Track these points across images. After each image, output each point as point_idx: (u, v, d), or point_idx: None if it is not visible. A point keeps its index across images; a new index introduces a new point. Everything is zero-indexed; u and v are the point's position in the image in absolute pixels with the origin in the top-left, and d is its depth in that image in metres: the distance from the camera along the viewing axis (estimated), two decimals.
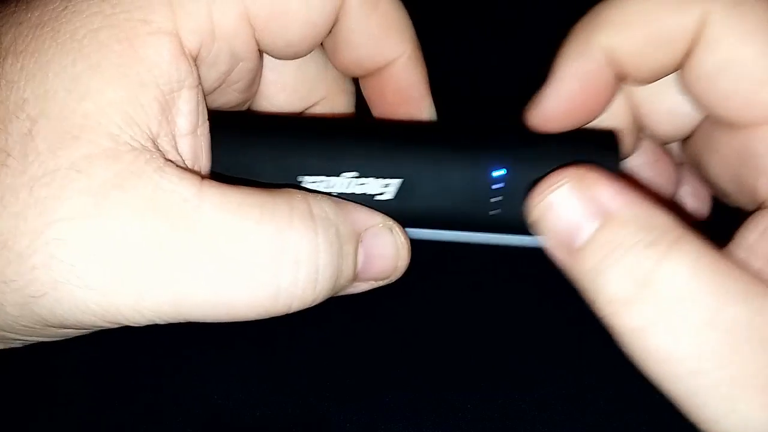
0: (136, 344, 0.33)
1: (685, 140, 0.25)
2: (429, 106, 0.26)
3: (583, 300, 0.20)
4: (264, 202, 0.20)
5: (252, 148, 0.23)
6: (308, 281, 0.20)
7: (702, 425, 0.19)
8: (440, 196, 0.23)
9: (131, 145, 0.19)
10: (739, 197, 0.23)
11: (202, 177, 0.20)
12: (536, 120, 0.23)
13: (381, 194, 0.23)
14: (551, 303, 0.29)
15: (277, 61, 0.24)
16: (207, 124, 0.21)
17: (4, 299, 0.18)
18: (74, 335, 0.21)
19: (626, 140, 0.24)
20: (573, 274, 0.20)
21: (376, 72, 0.25)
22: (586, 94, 0.22)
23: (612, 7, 0.21)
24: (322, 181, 0.22)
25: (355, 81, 0.26)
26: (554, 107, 0.22)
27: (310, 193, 0.21)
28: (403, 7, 0.24)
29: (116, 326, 0.20)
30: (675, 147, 0.26)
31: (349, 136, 0.23)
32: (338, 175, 0.22)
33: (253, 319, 0.20)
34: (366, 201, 0.23)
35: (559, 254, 0.20)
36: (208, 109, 0.21)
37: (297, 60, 0.24)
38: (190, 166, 0.20)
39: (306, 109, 0.26)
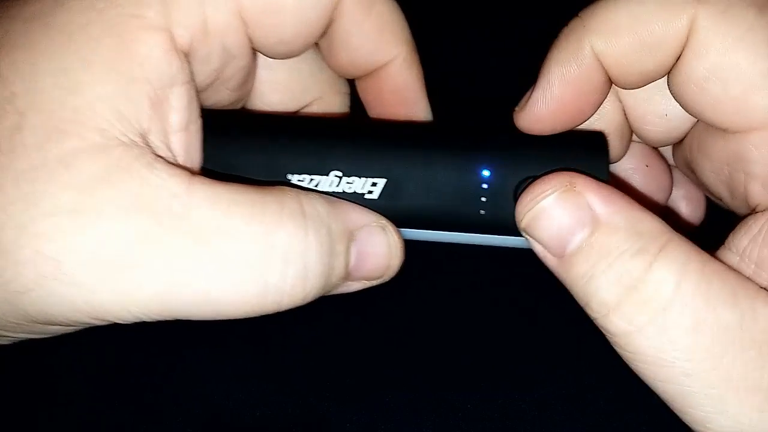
0: (137, 345, 0.32)
1: (677, 144, 0.25)
2: (425, 107, 0.25)
3: None
4: (254, 200, 0.19)
5: (242, 146, 0.23)
6: (297, 279, 0.19)
7: (694, 426, 0.19)
8: (429, 196, 0.22)
9: (120, 140, 0.18)
10: (731, 201, 0.23)
11: (193, 173, 0.19)
12: (525, 122, 0.22)
13: (370, 193, 0.22)
14: (551, 303, 0.28)
15: (272, 60, 0.24)
16: (200, 120, 0.21)
17: None
18: (62, 332, 0.20)
19: (617, 143, 0.24)
20: (563, 279, 0.20)
21: (372, 73, 0.24)
22: (575, 97, 0.22)
23: (600, 11, 0.21)
24: (311, 180, 0.22)
25: (351, 82, 0.26)
26: (543, 110, 0.22)
27: (303, 191, 0.21)
28: (398, 8, 0.23)
29: (104, 323, 0.19)
30: (668, 150, 0.26)
31: (338, 135, 0.23)
32: (327, 174, 0.22)
33: (243, 317, 0.20)
34: (355, 200, 0.22)
35: (549, 261, 0.21)
36: (201, 107, 0.21)
37: (291, 60, 0.24)
38: (181, 163, 0.20)
39: (300, 109, 0.26)
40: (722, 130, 0.21)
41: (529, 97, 0.22)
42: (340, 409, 0.31)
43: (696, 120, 0.23)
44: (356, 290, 0.22)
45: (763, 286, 0.19)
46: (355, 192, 0.22)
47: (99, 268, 0.18)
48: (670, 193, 0.26)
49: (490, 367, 0.32)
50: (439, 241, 0.24)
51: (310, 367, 0.32)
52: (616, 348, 0.20)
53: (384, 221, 0.22)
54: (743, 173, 0.21)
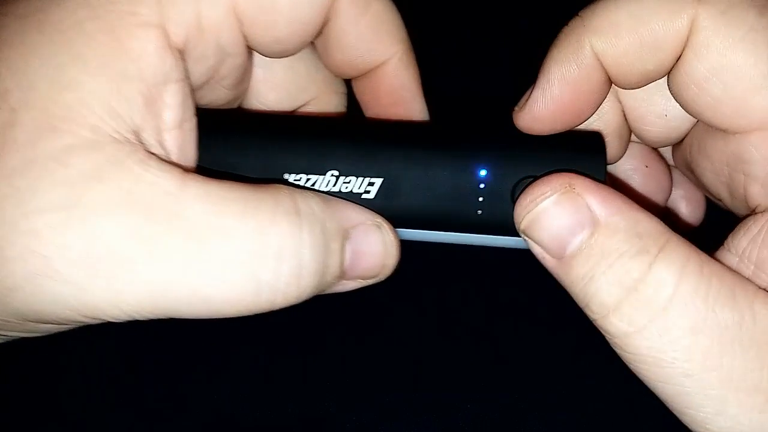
0: (137, 345, 0.32)
1: (677, 145, 0.24)
2: (422, 107, 0.25)
3: None
4: (248, 197, 0.19)
5: (238, 145, 0.22)
6: (291, 277, 0.19)
7: (693, 427, 0.19)
8: (426, 196, 0.22)
9: (113, 137, 0.18)
10: (730, 202, 0.22)
11: (186, 170, 0.19)
12: (524, 122, 0.22)
13: (367, 193, 0.22)
14: (550, 303, 0.28)
15: (268, 59, 0.24)
16: (194, 119, 0.20)
17: None
18: (56, 331, 0.20)
19: (616, 143, 0.24)
20: (563, 281, 0.20)
21: (369, 73, 0.24)
22: (574, 97, 0.21)
23: (601, 10, 0.20)
24: (308, 180, 0.22)
25: (348, 82, 0.26)
26: (542, 110, 0.21)
27: (297, 189, 0.20)
28: (394, 7, 0.23)
29: (97, 322, 0.19)
30: (668, 151, 0.26)
31: (335, 134, 0.23)
32: (323, 174, 0.22)
33: (236, 315, 0.19)
34: (352, 200, 0.22)
35: (549, 262, 0.20)
36: (196, 105, 0.21)
37: (288, 59, 0.24)
38: (176, 161, 0.20)
39: (297, 109, 0.26)
40: (722, 131, 0.21)
41: (529, 97, 0.22)
42: (340, 409, 0.31)
43: (696, 120, 0.22)
44: (351, 289, 0.22)
45: (762, 287, 0.19)
46: (351, 192, 0.22)
47: (90, 266, 0.18)
48: (670, 194, 0.26)
49: (490, 367, 0.32)
50: (436, 241, 0.23)
51: (310, 367, 0.32)
52: (615, 349, 0.19)
53: (380, 220, 0.21)
54: (743, 174, 0.21)
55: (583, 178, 0.20)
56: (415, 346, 0.32)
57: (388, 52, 0.23)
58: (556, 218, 0.20)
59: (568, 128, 0.22)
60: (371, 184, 0.22)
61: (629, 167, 0.25)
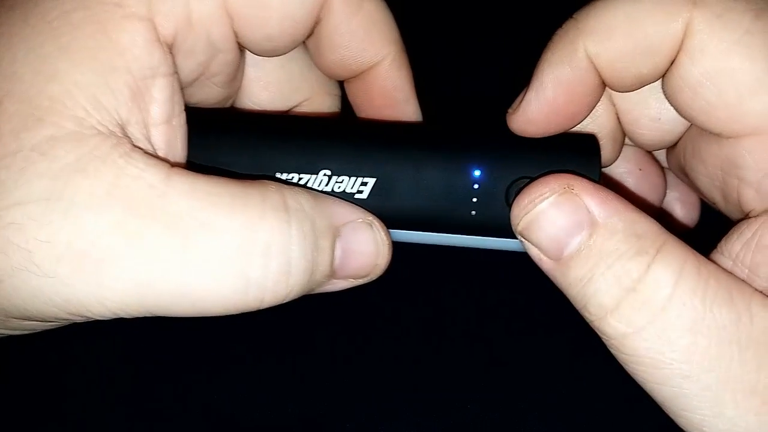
0: (136, 345, 0.32)
1: (671, 148, 0.24)
2: (415, 108, 0.25)
3: None
4: (235, 192, 0.19)
5: (231, 143, 0.22)
6: (280, 274, 0.19)
7: (689, 430, 0.19)
8: (419, 196, 0.22)
9: (98, 130, 0.18)
10: (724, 206, 0.22)
11: (172, 165, 0.19)
12: (517, 124, 0.22)
13: (359, 193, 0.22)
14: (551, 303, 0.28)
15: (260, 58, 0.23)
16: (183, 114, 0.20)
17: None
18: (41, 328, 0.20)
19: (610, 146, 0.24)
20: (560, 282, 0.20)
21: (361, 75, 0.24)
22: (568, 100, 0.21)
23: (595, 12, 0.20)
24: (300, 179, 0.21)
25: (341, 84, 0.25)
26: (536, 112, 0.21)
27: (286, 185, 0.20)
28: (387, 8, 0.23)
29: (82, 319, 0.18)
30: (662, 153, 0.25)
31: (328, 133, 0.22)
32: (316, 173, 0.21)
33: (224, 313, 0.19)
34: (345, 199, 0.21)
35: (546, 264, 0.20)
36: (185, 102, 0.20)
37: (281, 58, 0.24)
38: (163, 156, 0.19)
39: (290, 109, 0.25)
40: (716, 135, 0.20)
41: (522, 99, 0.21)
42: (340, 409, 0.31)
43: (690, 124, 0.22)
44: (342, 289, 0.21)
45: (758, 290, 0.19)
46: (344, 191, 0.21)
47: (72, 260, 0.17)
48: (664, 197, 0.25)
49: (490, 367, 0.31)
50: (429, 243, 0.23)
51: (309, 367, 0.32)
52: (612, 351, 0.19)
53: (371, 218, 0.21)
54: (736, 178, 0.20)
55: (581, 179, 0.20)
56: (412, 347, 0.32)
57: (380, 52, 0.23)
58: (555, 219, 0.19)
59: (561, 131, 0.22)
60: (364, 183, 0.21)
61: (623, 170, 0.25)
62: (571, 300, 0.20)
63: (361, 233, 0.21)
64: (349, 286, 0.21)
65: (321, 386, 0.31)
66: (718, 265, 0.19)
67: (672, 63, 0.20)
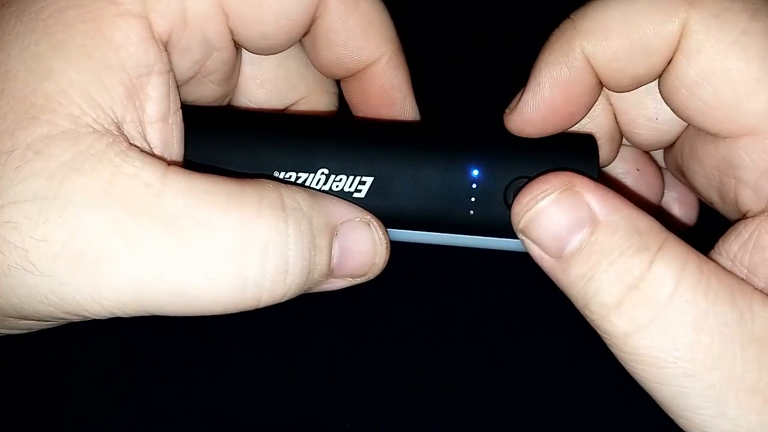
0: (136, 345, 0.32)
1: (668, 148, 0.24)
2: (412, 108, 0.24)
3: None
4: (231, 191, 0.18)
5: (228, 142, 0.21)
6: (277, 273, 0.18)
7: (690, 431, 0.18)
8: (418, 196, 0.21)
9: (93, 128, 0.17)
10: (721, 205, 0.22)
11: (169, 163, 0.18)
12: (515, 125, 0.21)
13: (357, 192, 0.21)
14: (550, 303, 0.28)
15: (257, 56, 0.23)
16: (179, 112, 0.20)
17: None
18: (38, 328, 0.19)
19: (607, 147, 0.23)
20: (561, 281, 0.19)
21: (358, 74, 0.23)
22: (565, 100, 0.21)
23: (591, 12, 0.20)
24: (298, 177, 0.21)
25: (338, 82, 0.25)
26: (533, 112, 0.21)
27: (283, 184, 0.19)
28: (384, 6, 0.23)
29: (78, 318, 0.18)
30: (659, 153, 0.25)
31: (326, 132, 0.22)
32: (314, 172, 0.21)
33: (221, 313, 0.18)
34: (343, 198, 0.21)
35: (546, 263, 0.20)
36: (182, 100, 0.20)
37: (277, 56, 0.23)
38: (159, 155, 0.19)
39: (287, 108, 0.25)
40: (713, 135, 0.20)
41: (519, 99, 0.21)
42: (340, 409, 0.30)
43: (687, 124, 0.22)
44: (340, 288, 0.21)
45: (757, 290, 0.19)
46: (342, 190, 0.21)
47: (68, 259, 0.17)
48: (662, 197, 0.25)
49: (490, 367, 0.31)
50: (427, 242, 0.22)
51: (309, 367, 0.31)
52: (613, 350, 0.19)
53: (369, 216, 0.21)
54: (733, 178, 0.20)
55: (582, 176, 0.19)
56: (411, 347, 0.31)
57: (377, 51, 0.23)
58: (556, 216, 0.19)
59: (558, 131, 0.21)
60: (362, 183, 0.21)
61: (621, 170, 0.24)
62: (572, 299, 0.19)
63: (358, 232, 0.20)
64: (347, 285, 0.21)
65: (321, 386, 0.31)
66: (719, 264, 0.19)
67: (669, 63, 0.19)
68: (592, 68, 0.20)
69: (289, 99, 0.25)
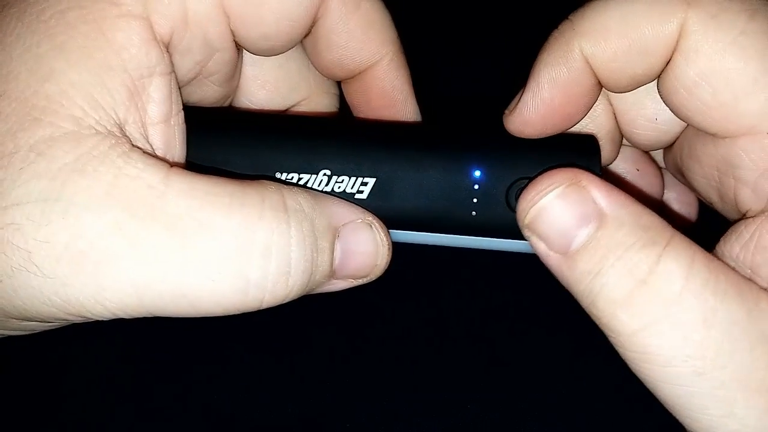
0: (136, 345, 0.32)
1: (668, 148, 0.23)
2: (413, 109, 0.24)
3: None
4: (234, 192, 0.18)
5: (230, 143, 0.21)
6: (279, 275, 0.18)
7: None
8: (419, 197, 0.21)
9: (95, 129, 0.17)
10: (721, 206, 0.22)
11: (171, 165, 0.18)
12: (514, 125, 0.21)
13: (359, 193, 0.21)
14: (551, 303, 0.28)
15: (258, 57, 0.23)
16: (181, 113, 0.20)
17: None
18: (41, 329, 0.19)
19: (608, 147, 0.23)
20: (567, 278, 0.19)
21: (359, 75, 0.23)
22: (564, 100, 0.20)
23: (590, 13, 0.20)
24: (300, 179, 0.21)
25: (339, 83, 0.25)
26: (532, 113, 0.21)
27: (285, 185, 0.19)
28: (385, 7, 0.22)
29: (81, 320, 0.18)
30: (659, 153, 0.25)
31: (327, 133, 0.22)
32: (316, 173, 0.21)
33: (223, 314, 0.18)
34: (345, 199, 0.21)
35: (552, 260, 0.19)
36: (183, 101, 0.20)
37: (278, 58, 0.23)
38: (161, 156, 0.19)
39: (288, 109, 0.25)
40: (712, 135, 0.20)
41: (519, 100, 0.21)
42: (340, 409, 0.30)
43: (686, 124, 0.22)
44: (342, 289, 0.21)
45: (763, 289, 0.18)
46: (344, 191, 0.21)
47: (71, 260, 0.17)
48: (662, 197, 0.25)
49: (490, 368, 0.31)
50: (429, 243, 0.22)
51: (309, 368, 0.31)
52: (620, 349, 0.18)
53: (371, 218, 0.20)
54: (733, 178, 0.20)
55: (587, 173, 0.19)
56: (412, 347, 0.31)
57: (378, 52, 0.22)
58: (562, 211, 0.19)
59: (558, 131, 0.21)
60: (364, 184, 0.21)
61: (621, 170, 0.24)
62: (578, 297, 0.19)
63: (360, 233, 0.20)
64: (348, 287, 0.21)
65: (321, 386, 0.31)
66: (724, 262, 0.19)
67: (667, 63, 0.19)
68: (591, 69, 0.20)
69: (290, 100, 0.24)
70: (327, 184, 0.21)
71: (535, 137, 0.21)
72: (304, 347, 0.32)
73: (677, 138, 0.23)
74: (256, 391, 0.31)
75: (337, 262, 0.20)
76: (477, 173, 0.21)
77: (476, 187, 0.21)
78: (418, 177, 0.21)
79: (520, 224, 0.20)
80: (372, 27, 0.22)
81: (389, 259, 0.21)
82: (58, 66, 0.17)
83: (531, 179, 0.20)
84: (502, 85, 0.22)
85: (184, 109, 0.20)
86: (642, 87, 0.21)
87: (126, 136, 0.18)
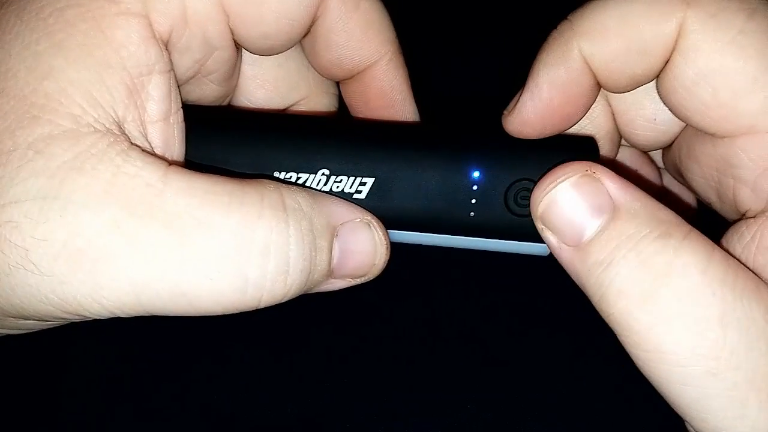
0: (136, 345, 0.32)
1: (667, 148, 0.23)
2: (412, 109, 0.24)
3: (583, 301, 0.18)
4: (233, 191, 0.18)
5: (229, 142, 0.21)
6: (278, 274, 0.18)
7: None
8: (418, 197, 0.21)
9: (94, 128, 0.17)
10: (720, 206, 0.21)
11: (170, 163, 0.18)
12: (513, 126, 0.21)
13: (358, 193, 0.21)
14: (550, 304, 0.28)
15: (257, 56, 0.23)
16: (180, 112, 0.19)
17: None
18: (38, 328, 0.19)
19: (606, 147, 0.23)
20: (578, 272, 0.18)
21: (358, 75, 0.23)
22: (563, 100, 0.20)
23: (589, 13, 0.19)
24: (298, 178, 0.21)
25: (338, 84, 0.25)
26: (531, 113, 0.20)
27: (284, 184, 0.19)
28: (384, 8, 0.22)
29: (79, 318, 0.18)
30: (658, 153, 0.25)
31: (326, 133, 0.22)
32: (315, 173, 0.21)
33: (221, 313, 0.18)
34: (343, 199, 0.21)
35: (564, 253, 0.19)
36: (182, 99, 0.20)
37: (278, 57, 0.23)
38: (160, 154, 0.19)
39: (287, 108, 0.25)
40: (711, 135, 0.20)
41: (518, 101, 0.21)
42: (340, 409, 0.30)
43: (685, 124, 0.22)
44: (340, 288, 0.20)
45: None
46: (343, 191, 0.21)
47: (68, 258, 0.16)
48: (661, 197, 0.24)
49: (489, 368, 0.31)
50: (428, 243, 0.22)
51: (309, 368, 0.31)
52: (629, 348, 0.18)
53: (369, 217, 0.20)
54: (732, 178, 0.20)
55: (601, 165, 0.19)
56: (411, 347, 0.31)
57: (377, 52, 0.22)
58: (575, 201, 0.18)
59: (557, 132, 0.21)
60: (363, 184, 0.21)
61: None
62: (589, 292, 0.18)
63: (359, 233, 0.20)
64: (347, 286, 0.20)
65: (320, 386, 0.31)
66: (738, 260, 0.18)
67: (666, 63, 0.19)
68: (590, 69, 0.20)
69: (289, 99, 0.24)
70: (326, 184, 0.21)
71: (534, 138, 0.21)
72: (303, 347, 0.32)
73: (676, 138, 0.22)
74: (256, 390, 0.31)
75: (335, 261, 0.19)
76: (476, 174, 0.21)
77: (475, 188, 0.21)
78: (417, 177, 0.21)
79: (533, 217, 0.20)
80: (371, 27, 0.22)
81: (387, 259, 0.21)
82: (57, 64, 0.17)
83: (530, 181, 0.20)
84: (501, 85, 0.22)
85: (183, 107, 0.20)
86: (641, 87, 0.21)
87: (125, 134, 0.18)
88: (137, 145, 0.18)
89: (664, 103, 0.20)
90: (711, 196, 0.21)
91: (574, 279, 0.19)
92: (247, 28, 0.20)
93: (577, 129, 0.22)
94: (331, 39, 0.22)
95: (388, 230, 0.21)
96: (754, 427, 0.17)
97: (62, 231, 0.16)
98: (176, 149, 0.19)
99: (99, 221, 0.17)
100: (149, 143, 0.18)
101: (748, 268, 0.18)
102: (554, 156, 0.21)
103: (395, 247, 0.21)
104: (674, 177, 0.24)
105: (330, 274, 0.20)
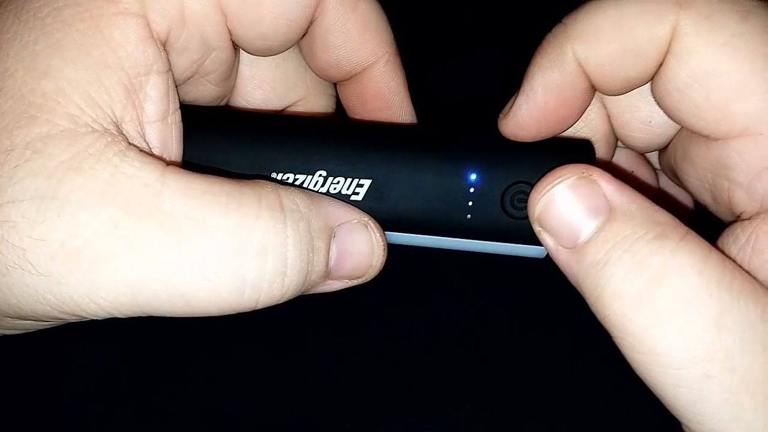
0: (136, 345, 0.32)
1: (662, 150, 0.23)
2: (409, 111, 0.24)
3: (580, 302, 0.18)
4: (230, 191, 0.18)
5: (226, 143, 0.21)
6: (275, 275, 0.18)
7: None
8: (415, 199, 0.21)
9: (92, 128, 0.17)
10: (715, 207, 0.21)
11: (168, 163, 0.18)
12: (508, 129, 0.21)
13: (355, 194, 0.21)
14: (550, 304, 0.27)
15: (255, 57, 0.23)
16: (178, 112, 0.19)
17: None
18: (35, 328, 0.19)
19: (602, 150, 0.23)
20: (575, 274, 0.18)
21: (355, 77, 0.23)
22: (558, 103, 0.20)
23: (583, 17, 0.19)
24: (296, 179, 0.21)
25: (335, 86, 0.25)
26: (526, 116, 0.20)
27: (282, 185, 0.19)
28: (381, 9, 0.22)
29: (76, 319, 0.18)
30: (654, 154, 0.25)
31: (324, 134, 0.22)
32: (312, 174, 0.21)
33: (219, 314, 0.18)
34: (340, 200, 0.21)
35: (561, 255, 0.19)
36: (180, 100, 0.20)
37: (275, 58, 0.23)
38: (158, 155, 0.19)
39: (284, 109, 0.24)
40: (705, 137, 0.20)
41: (513, 104, 0.21)
42: (339, 409, 0.30)
43: (680, 126, 0.21)
44: (337, 289, 0.20)
45: None
46: (340, 193, 0.21)
47: (66, 258, 0.16)
48: (657, 199, 0.24)
49: (489, 368, 0.31)
50: (425, 245, 0.22)
51: (309, 368, 0.31)
52: (624, 350, 0.18)
53: (366, 218, 0.20)
54: (726, 180, 0.20)
55: (598, 168, 0.19)
56: (409, 348, 0.31)
57: (374, 54, 0.22)
58: (571, 202, 0.18)
59: (552, 135, 0.21)
60: (360, 185, 0.21)
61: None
62: (585, 293, 0.18)
63: (356, 234, 0.20)
64: (344, 287, 0.20)
65: (319, 386, 0.30)
66: (734, 261, 0.18)
67: (660, 66, 0.19)
68: (584, 72, 0.20)
69: (286, 100, 0.24)
70: (323, 185, 0.21)
71: (530, 140, 0.21)
72: (301, 347, 0.31)
73: (672, 140, 0.22)
74: (255, 391, 0.30)
75: (332, 262, 0.19)
76: (473, 176, 0.21)
77: (472, 190, 0.21)
78: (414, 179, 0.21)
79: (530, 219, 0.20)
80: (368, 28, 0.22)
81: (385, 260, 0.21)
82: (55, 63, 0.17)
83: (527, 184, 0.20)
84: (497, 87, 0.22)
85: (180, 107, 0.19)
86: (636, 90, 0.21)
87: (122, 134, 0.18)
88: (135, 146, 0.18)
89: (659, 106, 0.20)
90: (706, 198, 0.21)
91: (571, 281, 0.19)
92: (245, 29, 0.20)
93: (573, 131, 0.22)
94: (329, 40, 0.22)
95: (386, 232, 0.21)
96: (750, 429, 0.16)
97: (60, 231, 0.16)
98: (174, 149, 0.19)
99: (96, 221, 0.16)
100: (147, 143, 0.18)
101: (743, 269, 0.18)
102: (551, 159, 0.21)
103: (393, 249, 0.21)
104: (670, 178, 0.24)
105: (327, 275, 0.19)
